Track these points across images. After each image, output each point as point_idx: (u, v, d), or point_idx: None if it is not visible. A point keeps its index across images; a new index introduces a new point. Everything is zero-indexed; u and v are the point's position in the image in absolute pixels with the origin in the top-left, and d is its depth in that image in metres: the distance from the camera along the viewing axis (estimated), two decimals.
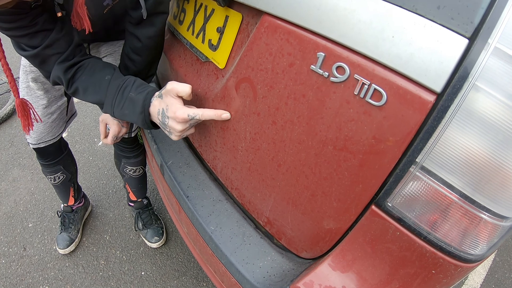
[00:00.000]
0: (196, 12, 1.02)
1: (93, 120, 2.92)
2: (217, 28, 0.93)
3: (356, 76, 0.66)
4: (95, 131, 2.82)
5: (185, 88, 0.89)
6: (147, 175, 1.93)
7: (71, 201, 1.90)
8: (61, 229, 1.92)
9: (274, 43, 0.75)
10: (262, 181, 0.87)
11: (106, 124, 1.23)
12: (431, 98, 0.61)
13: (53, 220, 2.08)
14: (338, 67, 0.67)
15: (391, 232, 0.71)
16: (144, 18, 0.98)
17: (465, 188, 0.64)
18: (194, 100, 1.05)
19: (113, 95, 0.97)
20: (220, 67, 0.92)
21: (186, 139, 1.28)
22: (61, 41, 0.94)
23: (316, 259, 0.86)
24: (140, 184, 1.87)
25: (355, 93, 0.66)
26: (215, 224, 0.93)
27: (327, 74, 0.69)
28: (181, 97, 0.91)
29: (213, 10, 0.95)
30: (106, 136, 1.27)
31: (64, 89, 1.03)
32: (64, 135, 1.55)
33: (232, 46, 0.88)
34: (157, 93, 0.95)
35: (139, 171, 1.76)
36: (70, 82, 1.00)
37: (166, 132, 0.97)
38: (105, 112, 1.04)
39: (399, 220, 0.69)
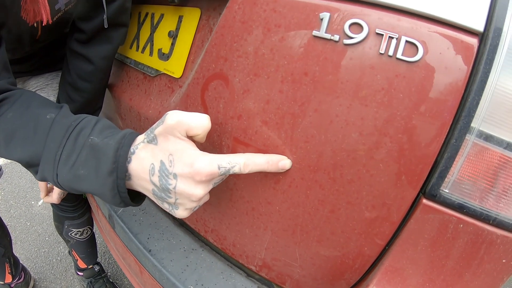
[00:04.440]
0: (140, 25, 0.72)
1: (29, 181, 2.24)
2: (169, 33, 0.64)
3: (379, 30, 0.44)
4: (32, 192, 2.13)
5: (201, 121, 0.44)
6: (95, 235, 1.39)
7: (8, 279, 1.33)
8: None
9: (254, 18, 0.49)
10: (252, 211, 0.54)
11: None
12: (474, 41, 0.42)
13: None
14: (352, 25, 0.45)
15: (452, 226, 0.46)
16: (106, 27, 0.64)
17: None
18: (146, 127, 0.67)
19: (59, 142, 0.47)
20: (176, 77, 0.61)
21: None
22: None
23: None
24: (89, 248, 1.34)
25: (380, 52, 0.44)
26: (194, 281, 0.55)
27: (338, 37, 0.45)
28: (191, 138, 0.46)
29: (162, 15, 0.67)
30: (48, 193, 0.85)
31: None
32: None
33: (190, 49, 0.61)
34: (142, 136, 0.47)
35: (86, 233, 1.25)
36: None
37: (166, 207, 0.47)
38: (42, 178, 0.50)
39: (461, 208, 0.46)
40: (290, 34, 0.46)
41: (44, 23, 0.57)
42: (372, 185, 0.45)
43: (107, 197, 0.46)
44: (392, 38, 0.42)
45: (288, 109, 0.47)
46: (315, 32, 0.45)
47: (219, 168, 0.44)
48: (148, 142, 0.46)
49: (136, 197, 0.52)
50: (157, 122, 0.46)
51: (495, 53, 0.41)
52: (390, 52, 0.42)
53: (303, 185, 0.49)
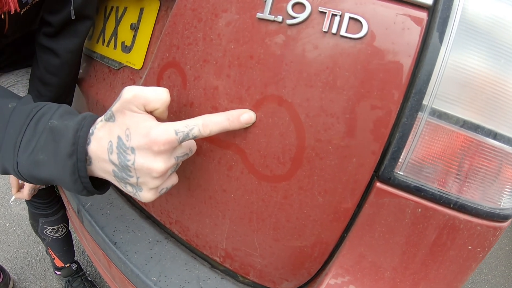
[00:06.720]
0: (106, 19, 0.71)
1: (7, 182, 2.08)
2: (131, 25, 0.62)
3: (321, 8, 0.42)
4: (11, 194, 1.93)
5: (159, 94, 0.41)
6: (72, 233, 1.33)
7: None
8: None
9: (203, 5, 0.47)
10: (210, 199, 0.51)
11: None
12: (423, 14, 0.39)
13: None
14: (295, 5, 0.43)
15: (410, 211, 0.43)
16: (73, 18, 0.63)
17: (490, 123, 0.41)
18: None
19: (19, 129, 0.44)
20: (137, 68, 0.59)
21: None
22: None
23: (304, 287, 0.54)
24: (66, 246, 1.28)
25: (324, 30, 0.41)
26: (157, 272, 0.54)
27: (281, 17, 0.43)
28: (150, 113, 0.42)
29: (125, 8, 0.66)
30: (19, 189, 0.82)
31: None
32: None
33: (150, 40, 0.59)
34: (101, 117, 0.44)
35: (62, 230, 1.20)
36: None
37: (129, 190, 0.43)
38: (3, 170, 0.46)
39: (418, 191, 0.43)
40: (235, 18, 0.44)
41: (12, 11, 0.57)
42: (322, 168, 0.43)
43: (68, 183, 0.43)
44: (336, 15, 0.39)
45: (235, 94, 0.45)
46: (259, 15, 0.43)
47: (176, 133, 0.39)
48: (106, 120, 0.42)
49: (100, 187, 0.48)
50: (116, 99, 0.43)
51: (446, 26, 0.38)
52: (334, 30, 0.40)
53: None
